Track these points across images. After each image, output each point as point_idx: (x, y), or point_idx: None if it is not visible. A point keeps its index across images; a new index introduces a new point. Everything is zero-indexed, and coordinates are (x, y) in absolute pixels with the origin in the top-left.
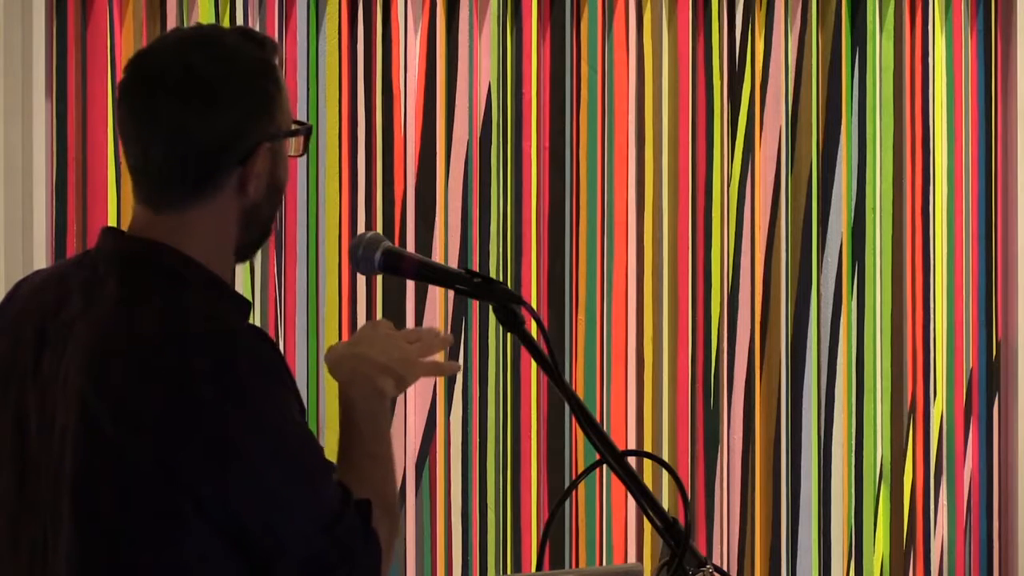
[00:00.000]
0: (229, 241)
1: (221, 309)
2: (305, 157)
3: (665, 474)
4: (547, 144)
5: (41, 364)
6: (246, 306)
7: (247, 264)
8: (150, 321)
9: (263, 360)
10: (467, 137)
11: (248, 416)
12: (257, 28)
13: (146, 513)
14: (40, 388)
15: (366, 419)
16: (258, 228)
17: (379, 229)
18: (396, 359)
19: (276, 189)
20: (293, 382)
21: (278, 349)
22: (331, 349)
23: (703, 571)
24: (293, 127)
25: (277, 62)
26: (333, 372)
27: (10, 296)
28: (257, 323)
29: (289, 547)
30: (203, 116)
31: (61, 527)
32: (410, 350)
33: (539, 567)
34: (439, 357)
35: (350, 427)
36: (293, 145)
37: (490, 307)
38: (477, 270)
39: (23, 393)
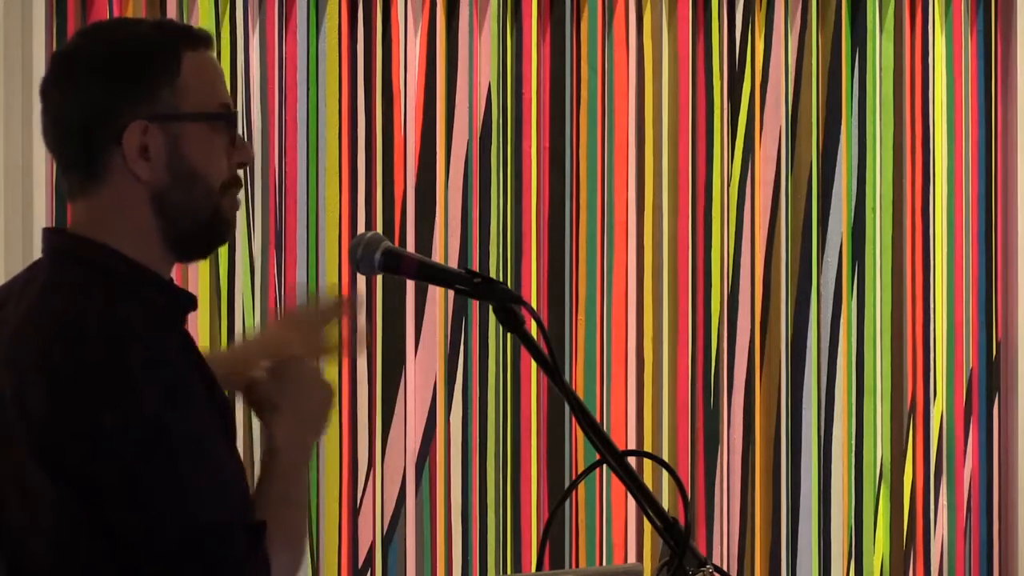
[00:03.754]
0: (149, 230)
1: (129, 302)
2: (305, 157)
3: (665, 474)
4: (547, 144)
5: None
6: (182, 299)
7: (247, 264)
8: (52, 313)
9: (157, 355)
10: (467, 137)
11: (123, 412)
12: (257, 28)
13: (41, 507)
14: None
15: (291, 469)
16: (184, 217)
17: (379, 229)
18: (324, 409)
19: (186, 174)
20: (208, 379)
21: (186, 344)
22: (253, 387)
23: (703, 571)
24: (209, 114)
25: (194, 51)
26: (260, 412)
27: None
28: (257, 324)
29: (150, 545)
30: (68, 94)
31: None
32: (328, 390)
33: (539, 567)
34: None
35: (271, 472)
36: (222, 133)
37: (490, 307)
38: (477, 270)
39: None
